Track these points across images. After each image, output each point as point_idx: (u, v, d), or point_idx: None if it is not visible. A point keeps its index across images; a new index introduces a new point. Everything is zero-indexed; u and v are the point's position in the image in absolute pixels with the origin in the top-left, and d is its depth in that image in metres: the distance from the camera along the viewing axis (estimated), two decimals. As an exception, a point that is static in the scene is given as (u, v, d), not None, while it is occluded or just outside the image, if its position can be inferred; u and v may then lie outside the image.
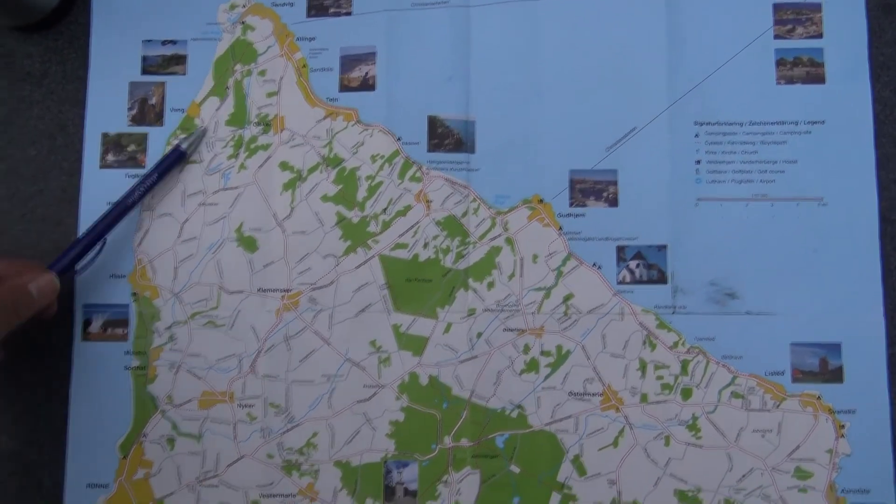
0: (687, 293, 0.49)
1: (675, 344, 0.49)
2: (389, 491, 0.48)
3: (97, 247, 0.48)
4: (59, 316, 0.48)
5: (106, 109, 0.52)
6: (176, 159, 0.50)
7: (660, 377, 0.48)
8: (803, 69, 0.50)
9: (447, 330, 0.49)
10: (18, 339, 0.45)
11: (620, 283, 0.49)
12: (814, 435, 0.48)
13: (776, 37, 0.50)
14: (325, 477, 0.48)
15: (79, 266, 0.48)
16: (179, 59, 0.52)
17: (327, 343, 0.49)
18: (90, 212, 0.51)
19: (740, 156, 0.50)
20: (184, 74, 0.52)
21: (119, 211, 0.48)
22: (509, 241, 0.50)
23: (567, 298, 0.49)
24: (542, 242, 0.50)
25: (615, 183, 0.50)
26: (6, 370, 0.50)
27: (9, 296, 0.43)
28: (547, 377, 0.49)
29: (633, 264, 0.49)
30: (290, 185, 0.51)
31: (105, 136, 0.52)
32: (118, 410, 0.49)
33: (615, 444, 0.48)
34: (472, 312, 0.49)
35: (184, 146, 0.50)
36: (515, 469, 0.48)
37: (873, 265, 0.49)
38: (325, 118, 0.51)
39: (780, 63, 0.50)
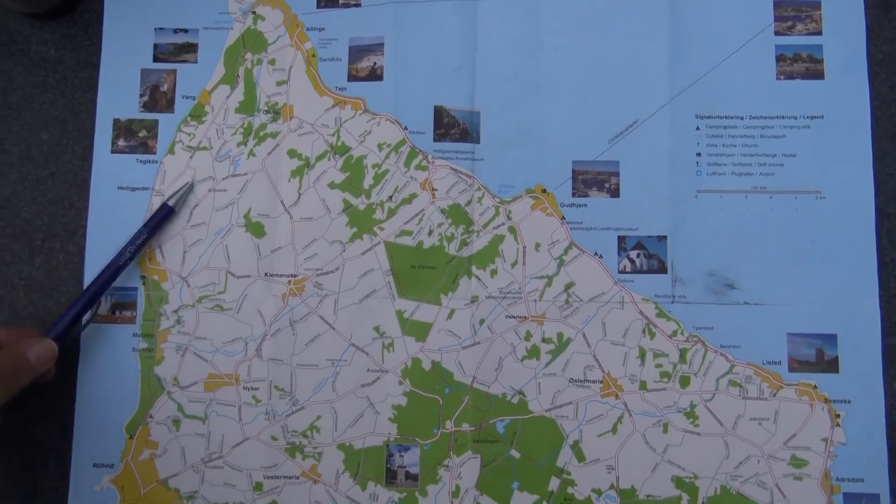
0: (686, 283, 0.50)
1: (675, 333, 0.49)
2: (391, 474, 0.49)
3: (93, 309, 0.49)
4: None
5: (118, 95, 0.53)
6: (164, 216, 0.50)
7: (659, 365, 0.49)
8: (803, 65, 0.51)
9: (450, 316, 0.50)
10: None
11: (621, 272, 0.50)
12: (810, 424, 0.48)
13: (776, 33, 0.51)
14: (328, 459, 0.49)
15: (84, 319, 0.49)
16: (191, 48, 0.53)
17: (332, 328, 0.50)
18: (100, 195, 0.52)
19: (740, 149, 0.51)
20: (195, 62, 0.53)
21: (111, 272, 0.49)
22: (512, 229, 0.51)
23: (568, 287, 0.50)
24: (544, 231, 0.50)
25: (617, 174, 0.51)
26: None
27: (9, 363, 0.44)
28: (548, 364, 0.49)
29: (633, 254, 0.50)
30: (297, 173, 0.51)
31: (116, 121, 0.52)
32: (125, 391, 0.50)
33: (614, 430, 0.49)
34: (475, 299, 0.50)
35: (171, 203, 0.50)
36: (515, 454, 0.49)
37: (869, 258, 0.49)
38: (333, 107, 0.52)
39: (780, 59, 0.51)
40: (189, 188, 0.51)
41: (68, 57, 0.53)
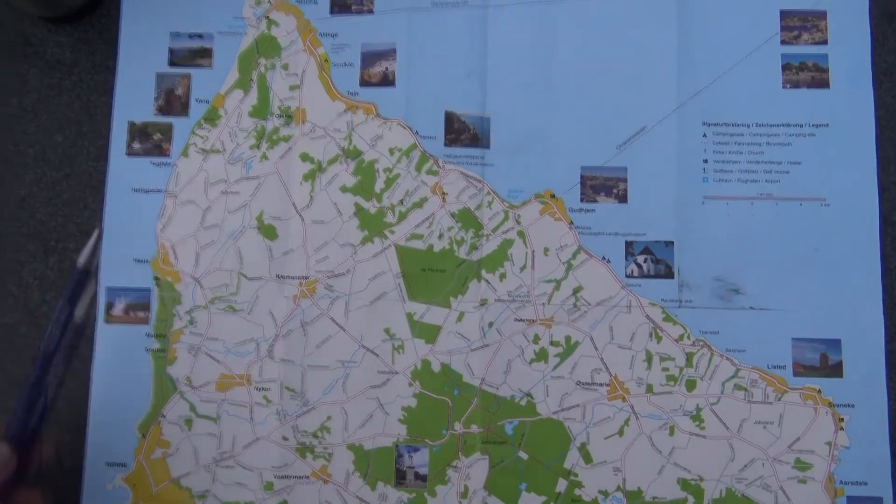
0: (693, 288, 0.50)
1: (681, 337, 0.50)
2: (400, 474, 0.50)
3: (43, 397, 0.43)
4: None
5: (133, 99, 0.53)
6: (82, 280, 0.45)
7: (665, 369, 0.50)
8: (808, 74, 0.52)
9: (460, 319, 0.51)
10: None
11: (628, 276, 0.51)
12: (814, 427, 0.49)
13: (783, 42, 0.52)
14: (339, 460, 0.50)
15: (39, 412, 0.44)
16: (205, 52, 0.53)
17: (343, 329, 0.51)
18: (115, 197, 0.52)
19: (746, 156, 0.51)
20: (209, 67, 0.53)
21: (43, 362, 0.43)
22: (521, 234, 0.51)
23: (576, 290, 0.51)
24: (553, 236, 0.51)
25: (625, 180, 0.51)
26: (30, 348, 0.51)
27: None
28: (556, 367, 0.50)
29: (640, 259, 0.51)
30: (310, 176, 0.52)
31: (131, 124, 0.53)
32: (138, 391, 0.51)
33: (621, 432, 0.49)
34: (484, 302, 0.51)
35: (80, 263, 0.45)
36: (523, 455, 0.49)
37: (873, 264, 0.50)
38: (345, 111, 0.53)
39: (786, 67, 0.52)
40: (97, 239, 0.46)
41: (84, 60, 0.54)
